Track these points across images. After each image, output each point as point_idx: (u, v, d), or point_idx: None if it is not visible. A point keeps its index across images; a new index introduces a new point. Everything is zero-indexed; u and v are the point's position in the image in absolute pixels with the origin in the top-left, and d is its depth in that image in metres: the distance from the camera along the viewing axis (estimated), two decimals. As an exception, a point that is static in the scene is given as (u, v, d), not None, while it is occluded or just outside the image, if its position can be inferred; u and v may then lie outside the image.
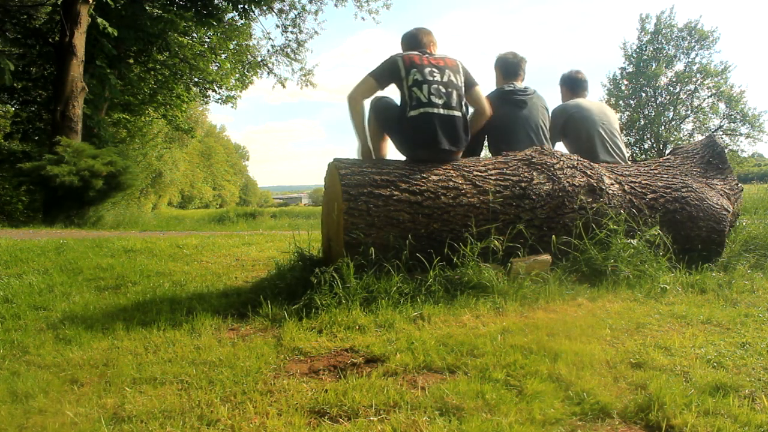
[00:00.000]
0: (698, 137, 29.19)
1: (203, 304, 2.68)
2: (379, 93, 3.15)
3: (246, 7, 12.51)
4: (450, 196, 2.83)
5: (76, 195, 8.92)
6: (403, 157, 3.12)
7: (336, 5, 16.75)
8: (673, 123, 30.56)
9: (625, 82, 31.40)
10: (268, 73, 17.86)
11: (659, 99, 30.80)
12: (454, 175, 2.91)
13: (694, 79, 29.47)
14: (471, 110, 3.24)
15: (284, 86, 18.38)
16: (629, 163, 3.72)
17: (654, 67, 29.85)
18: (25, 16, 12.07)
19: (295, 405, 1.56)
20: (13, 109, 13.95)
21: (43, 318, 2.59)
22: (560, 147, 3.85)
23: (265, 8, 14.02)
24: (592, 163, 3.23)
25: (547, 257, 2.88)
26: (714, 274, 2.98)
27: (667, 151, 4.50)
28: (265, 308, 2.48)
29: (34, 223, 9.05)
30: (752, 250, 3.41)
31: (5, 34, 11.96)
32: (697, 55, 29.46)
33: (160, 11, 12.31)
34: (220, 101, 17.55)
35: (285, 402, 1.58)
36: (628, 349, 1.92)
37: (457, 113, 2.98)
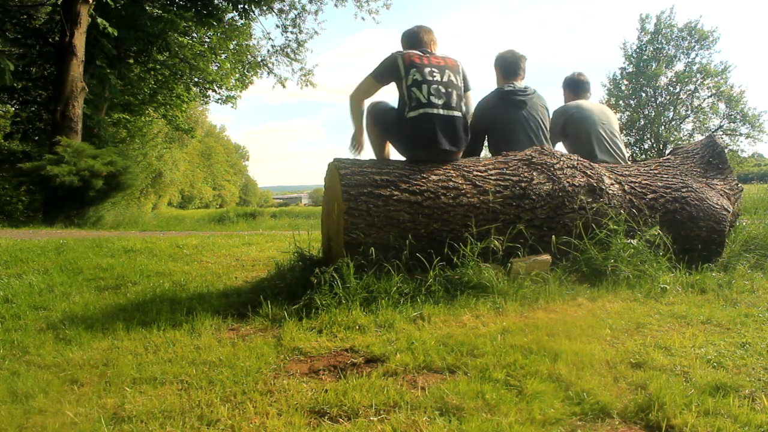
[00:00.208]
0: (698, 137, 29.20)
1: (203, 304, 2.68)
2: (375, 98, 3.17)
3: (246, 7, 12.51)
4: (450, 196, 2.83)
5: (76, 195, 8.92)
6: (403, 158, 3.12)
7: (336, 5, 16.77)
8: (673, 123, 30.57)
9: (625, 82, 31.41)
10: (268, 73, 17.87)
11: (659, 99, 30.81)
12: (454, 175, 2.91)
13: (694, 79, 29.47)
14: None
15: (284, 86, 18.39)
16: (629, 163, 3.73)
17: (654, 67, 29.86)
18: (25, 16, 12.07)
19: (295, 405, 1.56)
20: (13, 109, 13.95)
21: (43, 318, 2.59)
22: (560, 147, 3.86)
23: (265, 8, 14.02)
24: (592, 163, 3.23)
25: (547, 257, 2.88)
26: (714, 274, 2.98)
27: (667, 151, 4.51)
28: (265, 308, 2.48)
29: (34, 223, 9.05)
30: (752, 250, 3.41)
31: (5, 34, 11.96)
32: (697, 55, 29.49)
33: (160, 11, 12.31)
34: (220, 101, 17.56)
35: (285, 402, 1.58)
36: (628, 349, 1.92)
37: (457, 113, 2.97)
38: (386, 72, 3.04)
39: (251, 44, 17.19)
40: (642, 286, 2.74)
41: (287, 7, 16.41)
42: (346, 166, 2.87)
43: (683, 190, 3.30)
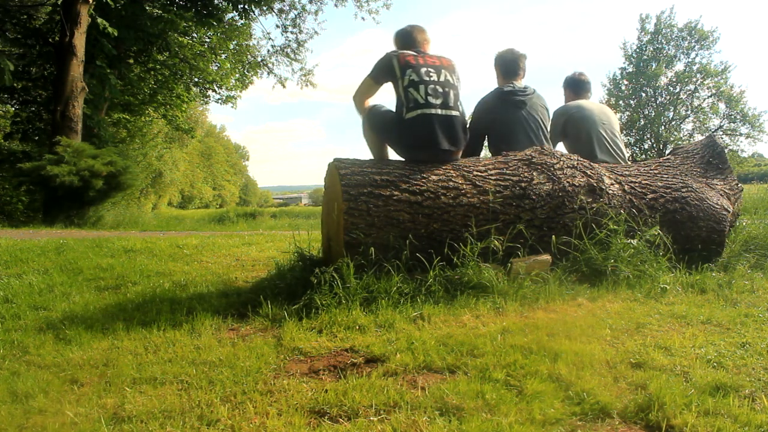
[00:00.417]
0: (698, 137, 29.20)
1: (203, 304, 2.68)
2: (372, 101, 3.17)
3: (246, 7, 12.51)
4: (450, 196, 2.83)
5: (76, 195, 8.92)
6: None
7: (336, 5, 16.77)
8: (673, 123, 30.57)
9: (625, 82, 31.41)
10: (268, 73, 17.88)
11: (659, 99, 30.81)
12: (454, 175, 2.91)
13: (694, 79, 29.48)
14: None
15: (284, 86, 18.39)
16: (629, 163, 3.73)
17: (654, 67, 29.86)
18: (25, 16, 12.08)
19: (295, 405, 1.56)
20: (13, 109, 13.95)
21: (43, 318, 2.59)
22: (561, 147, 3.86)
23: (265, 8, 14.01)
24: (592, 163, 3.23)
25: (547, 257, 2.88)
26: (714, 274, 2.98)
27: (667, 151, 4.51)
28: (265, 308, 2.48)
29: (34, 223, 9.05)
30: (752, 250, 3.41)
31: (5, 34, 11.96)
32: (697, 55, 29.49)
33: (160, 11, 12.31)
34: (220, 101, 17.56)
35: (285, 402, 1.58)
36: (628, 349, 1.92)
37: (456, 113, 2.97)
38: (382, 72, 3.04)
39: (251, 44, 17.22)
40: (642, 286, 2.74)
41: (287, 7, 16.43)
42: (346, 166, 2.87)
43: (683, 190, 3.30)
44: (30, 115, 13.09)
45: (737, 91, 28.68)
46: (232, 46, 15.84)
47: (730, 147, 28.70)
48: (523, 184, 2.95)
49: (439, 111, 2.91)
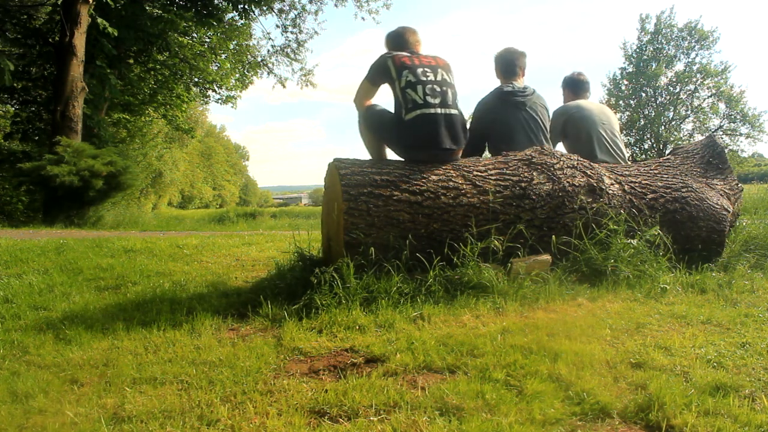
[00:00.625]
0: (698, 137, 29.20)
1: (203, 304, 2.68)
2: (370, 102, 3.17)
3: (246, 7, 12.51)
4: (450, 196, 2.83)
5: (76, 195, 8.91)
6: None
7: (336, 5, 16.76)
8: (673, 123, 30.57)
9: (625, 82, 31.42)
10: (268, 73, 17.87)
11: (659, 99, 30.82)
12: (454, 175, 2.91)
13: (694, 79, 29.48)
14: None
15: (284, 86, 18.39)
16: (629, 163, 3.72)
17: (654, 67, 29.87)
18: (25, 16, 12.07)
19: (295, 405, 1.56)
20: (13, 109, 13.95)
21: (43, 318, 2.59)
22: (561, 148, 3.86)
23: (265, 8, 14.01)
24: (592, 163, 3.23)
25: (547, 257, 2.88)
26: (714, 274, 2.98)
27: (667, 151, 4.51)
28: (265, 308, 2.48)
29: (34, 223, 9.05)
30: (752, 250, 3.41)
31: (5, 34, 11.96)
32: (697, 55, 29.50)
33: (160, 11, 12.31)
34: (220, 101, 17.56)
35: (285, 402, 1.58)
36: (628, 349, 1.92)
37: (455, 111, 2.97)
38: (378, 74, 3.05)
39: (251, 44, 17.21)
40: (642, 286, 2.74)
41: (287, 7, 16.43)
42: (346, 166, 2.87)
43: (683, 190, 3.30)
44: (30, 115, 13.09)
45: (737, 91, 28.72)
46: (232, 46, 15.84)
47: (730, 147, 28.70)
48: (523, 184, 2.95)
49: (438, 110, 2.91)
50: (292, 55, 17.52)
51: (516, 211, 2.91)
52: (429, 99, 2.89)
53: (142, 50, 13.50)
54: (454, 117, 2.96)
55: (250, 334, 2.25)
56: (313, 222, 8.03)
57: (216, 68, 15.92)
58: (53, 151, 8.96)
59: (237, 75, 17.05)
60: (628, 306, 2.48)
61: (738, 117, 28.76)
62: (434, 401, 1.54)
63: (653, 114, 30.39)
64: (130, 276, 3.46)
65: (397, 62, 2.97)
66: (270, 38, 39.58)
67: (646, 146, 31.33)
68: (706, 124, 29.64)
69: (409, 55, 3.03)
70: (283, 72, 33.53)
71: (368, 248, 2.67)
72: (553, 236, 2.92)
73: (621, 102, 31.45)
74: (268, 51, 17.88)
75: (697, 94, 29.85)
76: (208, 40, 15.24)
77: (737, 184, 3.63)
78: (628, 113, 31.02)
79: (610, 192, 3.11)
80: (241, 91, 17.66)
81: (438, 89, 2.93)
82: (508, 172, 3.00)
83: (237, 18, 14.00)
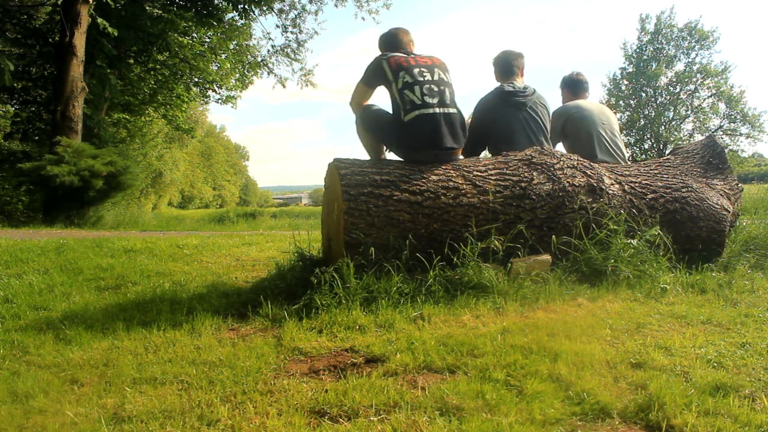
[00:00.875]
0: (698, 137, 29.20)
1: (203, 304, 2.68)
2: (366, 102, 3.17)
3: (246, 7, 12.51)
4: (450, 196, 2.83)
5: (76, 195, 8.91)
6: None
7: (336, 5, 16.77)
8: (673, 123, 30.57)
9: (625, 82, 31.42)
10: (268, 73, 17.88)
11: (659, 99, 30.81)
12: (454, 175, 2.91)
13: (694, 79, 29.48)
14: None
15: (284, 86, 18.40)
16: (629, 163, 3.72)
17: (654, 67, 29.86)
18: (25, 16, 12.07)
19: (295, 405, 1.56)
20: (13, 109, 13.95)
21: (43, 318, 2.59)
22: (560, 147, 3.86)
23: (265, 8, 14.01)
24: (592, 163, 3.23)
25: (547, 257, 2.88)
26: (714, 274, 2.98)
27: (667, 151, 4.52)
28: (265, 308, 2.48)
29: (34, 223, 9.05)
30: (752, 250, 3.41)
31: (5, 34, 11.96)
32: (697, 55, 29.49)
33: (160, 11, 12.31)
34: (220, 101, 17.57)
35: (285, 402, 1.58)
36: (628, 349, 1.92)
37: (453, 110, 2.97)
38: (373, 77, 3.05)
39: (251, 44, 17.22)
40: (642, 286, 2.74)
41: (287, 7, 16.44)
42: (346, 166, 2.87)
43: (683, 190, 3.30)
44: (30, 115, 13.09)
45: (737, 91, 28.71)
46: (232, 46, 15.84)
47: (730, 147, 28.70)
48: (523, 184, 2.95)
49: (437, 110, 2.90)
50: (292, 55, 17.55)
51: (516, 211, 2.91)
52: (427, 99, 2.89)
53: (142, 50, 13.51)
54: (453, 116, 2.95)
55: (250, 334, 2.25)
56: (313, 222, 8.04)
57: (216, 68, 15.93)
58: (53, 151, 8.96)
59: (237, 75, 17.06)
60: (628, 306, 2.48)
61: (738, 117, 28.76)
62: (434, 401, 1.54)
63: (653, 114, 30.39)
64: (130, 276, 3.46)
65: (393, 64, 2.96)
66: (270, 38, 39.56)
67: (646, 146, 31.33)
68: (706, 124, 29.66)
69: (404, 55, 3.02)
70: (283, 72, 33.56)
71: (368, 248, 2.67)
72: (553, 236, 2.92)
73: (621, 102, 31.46)
74: (268, 51, 17.91)
75: (697, 94, 29.86)
76: (208, 40, 15.24)
77: (737, 184, 3.63)
78: (628, 113, 31.02)
79: (610, 192, 3.11)
80: (241, 91, 17.70)
81: (435, 89, 2.92)
82: (508, 172, 3.00)
83: (237, 18, 14.00)
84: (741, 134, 29.09)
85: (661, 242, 3.04)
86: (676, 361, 1.79)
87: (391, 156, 3.22)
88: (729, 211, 3.32)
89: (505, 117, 3.35)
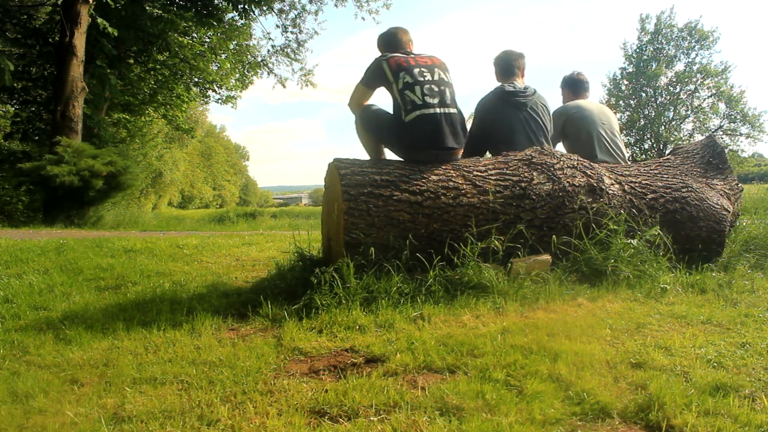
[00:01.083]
0: (698, 137, 29.19)
1: (203, 304, 2.68)
2: (366, 102, 3.17)
3: (246, 7, 12.51)
4: (450, 196, 2.83)
5: (76, 195, 8.92)
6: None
7: (336, 5, 16.78)
8: (673, 123, 30.57)
9: (625, 82, 31.42)
10: (268, 73, 17.88)
11: (659, 99, 30.81)
12: (454, 175, 2.91)
13: (694, 79, 29.48)
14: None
15: (284, 86, 18.40)
16: (629, 163, 3.72)
17: (654, 67, 29.86)
18: (25, 16, 12.07)
19: (295, 405, 1.56)
20: (13, 109, 13.95)
21: (43, 318, 2.59)
22: (561, 148, 3.86)
23: (265, 8, 14.01)
24: (592, 163, 3.23)
25: (547, 257, 2.88)
26: (714, 274, 2.98)
27: (667, 151, 4.52)
28: (265, 308, 2.48)
29: (34, 223, 9.05)
30: (752, 250, 3.41)
31: (5, 34, 11.96)
32: (697, 55, 29.49)
33: (160, 11, 12.31)
34: (220, 101, 17.57)
35: (285, 402, 1.58)
36: (628, 349, 1.92)
37: (454, 110, 2.97)
38: (373, 78, 3.04)
39: (251, 44, 17.22)
40: (642, 286, 2.74)
41: (287, 7, 16.45)
42: (346, 166, 2.87)
43: (683, 190, 3.30)
44: (30, 115, 13.09)
45: (737, 91, 28.71)
46: (232, 46, 15.84)
47: (730, 147, 28.70)
48: (523, 184, 2.95)
49: (438, 110, 2.90)
50: (292, 55, 17.55)
51: (516, 211, 2.91)
52: (428, 99, 2.89)
53: (142, 50, 13.51)
54: (453, 116, 2.95)
55: (250, 334, 2.25)
56: (313, 222, 8.04)
57: (216, 68, 15.93)
58: (53, 151, 8.96)
59: (237, 75, 17.06)
60: (628, 306, 2.48)
61: (738, 117, 28.76)
62: (434, 401, 1.54)
63: (653, 114, 30.39)
64: (130, 276, 3.46)
65: (393, 64, 2.96)
66: (270, 38, 39.59)
67: (646, 146, 31.33)
68: (706, 124, 29.66)
69: (404, 56, 3.02)
70: (283, 72, 33.57)
71: (368, 248, 2.67)
72: (554, 236, 2.92)
73: (621, 102, 31.46)
74: (268, 51, 17.92)
75: (697, 94, 29.86)
76: (208, 40, 15.24)
77: (737, 184, 3.63)
78: (628, 113, 31.02)
79: (610, 192, 3.11)
80: (241, 91, 17.70)
81: (436, 89, 2.92)
82: (508, 172, 3.00)
83: (237, 18, 14.01)
84: (741, 134, 29.11)
85: (661, 242, 3.04)
86: (676, 361, 1.79)
87: (391, 156, 3.22)
88: (729, 211, 3.32)
89: (506, 117, 3.34)
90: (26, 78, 12.74)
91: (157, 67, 15.03)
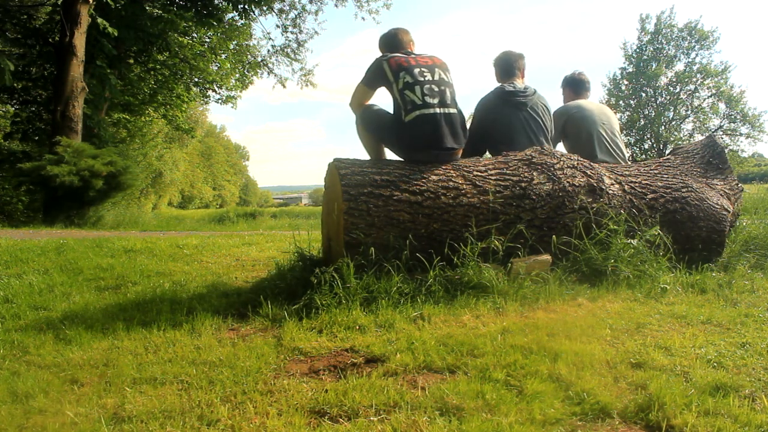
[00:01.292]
0: (698, 137, 29.19)
1: (203, 304, 2.68)
2: (367, 102, 3.18)
3: (246, 7, 12.51)
4: (450, 196, 2.83)
5: (76, 195, 8.91)
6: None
7: (336, 5, 16.78)
8: (673, 123, 30.57)
9: (626, 82, 31.42)
10: (268, 73, 17.89)
11: (659, 99, 30.82)
12: (454, 175, 2.91)
13: (694, 79, 29.48)
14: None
15: (284, 86, 18.41)
16: (629, 163, 3.73)
17: (654, 67, 29.87)
18: (25, 16, 12.07)
19: (295, 405, 1.56)
20: (13, 109, 13.95)
21: (43, 318, 2.59)
22: (561, 148, 3.86)
23: (265, 8, 14.01)
24: (592, 163, 3.23)
25: (547, 257, 2.88)
26: (714, 274, 2.98)
27: (667, 151, 4.52)
28: (265, 308, 2.48)
29: (34, 223, 9.05)
30: (752, 250, 3.41)
31: (5, 34, 11.96)
32: (697, 55, 29.49)
33: (160, 11, 12.31)
34: (220, 101, 17.58)
35: (285, 402, 1.58)
36: (628, 349, 1.92)
37: (454, 110, 2.97)
38: (374, 78, 3.05)
39: (251, 44, 17.23)
40: (642, 286, 2.74)
41: (287, 7, 16.45)
42: (346, 166, 2.87)
43: (683, 190, 3.30)
44: (30, 115, 13.09)
45: (737, 91, 28.71)
46: (232, 46, 15.84)
47: (730, 147, 28.70)
48: (523, 184, 2.95)
49: (437, 110, 2.90)
50: (292, 55, 17.56)
51: (516, 211, 2.91)
52: (428, 99, 2.89)
53: (142, 50, 13.51)
54: (453, 116, 2.95)
55: (250, 334, 2.25)
56: (313, 222, 8.03)
57: (216, 68, 15.93)
58: (53, 151, 8.95)
59: (237, 75, 17.07)
60: (628, 306, 2.48)
61: (738, 117, 28.76)
62: (434, 401, 1.54)
63: (653, 114, 30.39)
64: (130, 276, 3.46)
65: (393, 64, 2.96)
66: (270, 38, 39.61)
67: (646, 146, 31.33)
68: (706, 124, 29.66)
69: (404, 56, 3.02)
70: (283, 72, 33.58)
71: (368, 248, 2.67)
72: (554, 236, 2.92)
73: (621, 102, 31.46)
74: (268, 51, 17.93)
75: (697, 94, 29.86)
76: (208, 40, 15.24)
77: (737, 184, 3.63)
78: (628, 113, 31.02)
79: (610, 192, 3.11)
80: (241, 91, 17.71)
81: (436, 89, 2.92)
82: (508, 172, 3.00)
83: (237, 18, 14.01)
84: (741, 134, 29.11)
85: (661, 242, 3.04)
86: (676, 361, 1.79)
87: (391, 156, 3.22)
88: (729, 211, 3.32)
89: (506, 117, 3.34)
90: (26, 78, 12.73)
91: (157, 67, 15.03)
